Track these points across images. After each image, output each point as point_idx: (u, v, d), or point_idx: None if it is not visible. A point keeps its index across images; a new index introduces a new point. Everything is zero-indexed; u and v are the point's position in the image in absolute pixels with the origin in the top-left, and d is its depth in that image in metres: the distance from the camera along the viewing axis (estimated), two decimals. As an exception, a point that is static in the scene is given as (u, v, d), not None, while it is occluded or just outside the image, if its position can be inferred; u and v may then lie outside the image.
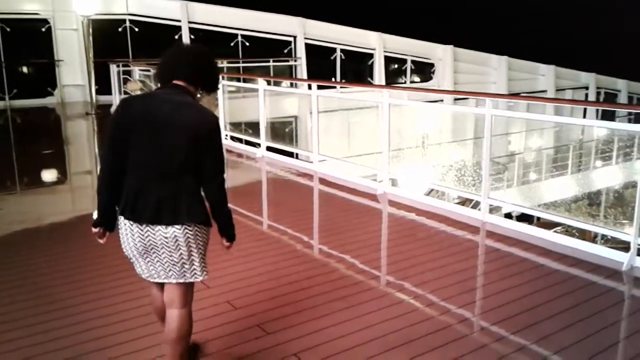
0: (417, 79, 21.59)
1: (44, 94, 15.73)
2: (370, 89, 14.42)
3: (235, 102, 11.10)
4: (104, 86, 14.29)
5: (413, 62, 20.84)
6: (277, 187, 7.36)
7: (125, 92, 13.81)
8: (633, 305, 3.91)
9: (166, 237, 2.50)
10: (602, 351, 3.17)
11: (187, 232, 2.51)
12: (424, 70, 21.44)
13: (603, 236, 11.57)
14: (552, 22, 33.57)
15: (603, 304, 3.76)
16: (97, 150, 10.29)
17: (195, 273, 2.60)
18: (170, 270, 2.57)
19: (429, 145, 16.57)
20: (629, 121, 16.86)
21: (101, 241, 2.67)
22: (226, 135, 9.29)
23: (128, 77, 13.82)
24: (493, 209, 5.51)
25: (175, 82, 2.60)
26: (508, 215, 9.27)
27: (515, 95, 19.84)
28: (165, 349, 2.68)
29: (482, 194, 5.17)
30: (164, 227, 2.49)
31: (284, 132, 16.98)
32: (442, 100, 16.19)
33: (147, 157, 2.49)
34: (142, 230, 2.51)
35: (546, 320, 3.47)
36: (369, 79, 19.60)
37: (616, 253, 4.35)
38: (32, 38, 15.59)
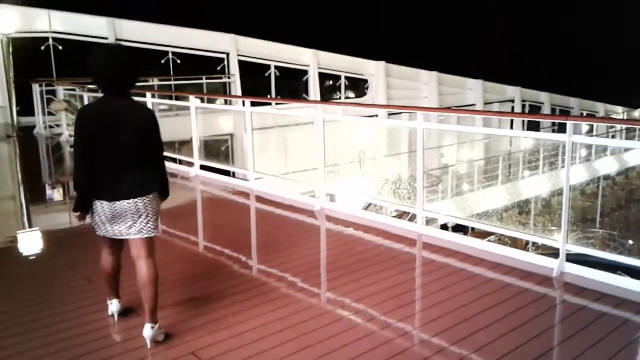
0: (351, 94, 21.92)
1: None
2: (305, 104, 14.47)
3: (167, 120, 10.81)
4: (27, 107, 13.63)
5: (347, 78, 21.15)
6: (212, 206, 7.17)
7: (50, 113, 13.21)
8: (564, 310, 4.01)
9: (130, 207, 3.30)
10: (538, 358, 3.21)
11: (145, 201, 3.34)
12: (358, 86, 21.80)
13: (534, 243, 12.03)
14: (480, 38, 35.02)
15: (536, 310, 3.83)
16: (19, 174, 9.74)
17: (150, 230, 3.37)
18: (131, 228, 3.33)
19: (365, 160, 16.79)
20: (553, 131, 17.79)
21: (82, 222, 3.44)
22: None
23: (52, 96, 13.22)
24: (429, 221, 5.57)
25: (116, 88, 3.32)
26: (444, 227, 9.47)
27: (446, 108, 20.50)
28: (141, 293, 3.33)
29: (417, 206, 5.21)
30: (127, 200, 3.29)
31: (219, 150, 16.74)
32: (376, 115, 16.48)
33: (110, 151, 3.25)
34: (110, 205, 3.29)
35: (483, 330, 3.50)
36: (304, 95, 19.70)
37: (546, 260, 4.47)
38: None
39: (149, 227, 3.36)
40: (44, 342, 3.40)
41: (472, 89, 23.88)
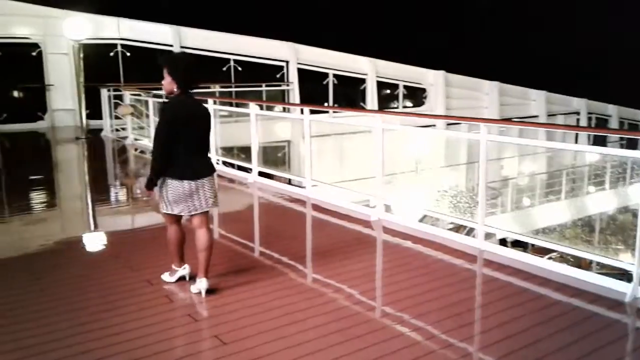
0: (409, 103, 21.70)
1: (34, 119, 15.59)
2: (363, 113, 14.39)
3: (227, 126, 11.02)
4: (94, 110, 14.20)
5: (405, 87, 20.95)
6: (269, 213, 7.21)
7: (117, 117, 13.71)
8: (638, 339, 3.76)
9: (207, 184, 4.09)
10: (611, 389, 3.02)
11: (213, 179, 4.17)
12: (416, 95, 21.56)
13: (598, 262, 11.46)
14: (544, 48, 33.99)
15: (607, 337, 3.62)
16: (87, 176, 10.12)
17: (214, 203, 4.17)
18: (202, 202, 4.07)
19: (422, 170, 16.53)
20: (621, 146, 16.98)
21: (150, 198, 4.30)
22: (217, 161, 9.15)
23: (119, 101, 13.72)
24: (487, 235, 5.38)
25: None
26: (503, 242, 9.16)
27: (508, 120, 19.94)
28: (199, 255, 4.08)
29: (479, 220, 5.04)
30: (206, 178, 4.09)
31: (276, 156, 16.90)
32: (434, 125, 16.22)
33: (194, 139, 4.04)
34: (193, 183, 4.01)
35: (550, 356, 3.32)
36: (362, 103, 19.65)
37: (618, 283, 4.21)
38: (23, 62, 15.53)
39: (213, 200, 4.13)
40: (110, 342, 3.47)
41: (536, 100, 23.16)
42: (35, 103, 15.67)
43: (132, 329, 3.65)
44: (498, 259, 4.86)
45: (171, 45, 16.66)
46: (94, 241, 5.91)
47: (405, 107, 21.38)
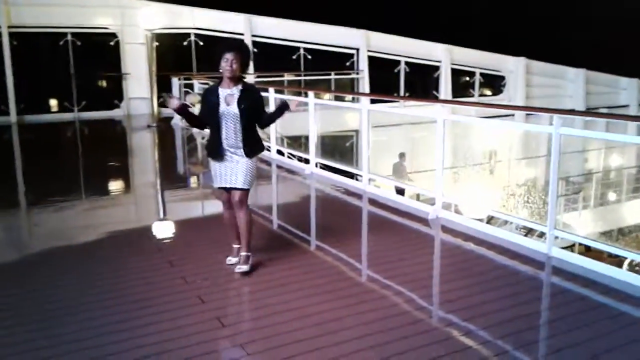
0: (487, 92, 20.68)
1: (112, 107, 16.14)
2: (423, 103, 13.76)
3: (294, 115, 10.80)
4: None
5: (482, 74, 19.97)
6: (324, 207, 6.92)
7: (185, 105, 13.87)
8: None
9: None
10: None
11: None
12: (494, 83, 20.51)
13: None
14: (634, 32, 31.41)
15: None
16: (157, 163, 10.30)
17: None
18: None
19: (493, 164, 15.69)
20: None
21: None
22: (273, 150, 8.98)
23: (189, 90, 13.89)
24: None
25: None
26: (587, 248, 8.40)
27: (592, 112, 18.56)
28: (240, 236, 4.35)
29: (548, 224, 4.51)
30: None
31: (344, 146, 16.60)
32: (512, 115, 15.30)
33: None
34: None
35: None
36: (435, 92, 18.92)
37: None
38: (101, 52, 16.07)
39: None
40: (148, 342, 3.33)
41: (626, 89, 21.42)
42: (113, 91, 16.21)
43: (155, 332, 3.49)
44: (569, 267, 4.33)
45: (242, 34, 16.68)
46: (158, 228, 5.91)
47: (482, 95, 20.40)
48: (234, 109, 4.11)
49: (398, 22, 18.72)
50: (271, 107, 7.82)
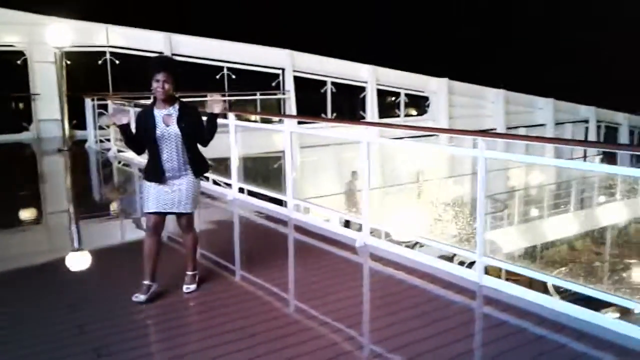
0: (412, 112, 20.96)
1: (19, 129, 14.95)
2: (348, 124, 13.57)
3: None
4: (82, 121, 13.58)
5: (407, 95, 20.21)
6: (248, 234, 6.45)
7: (100, 127, 13.04)
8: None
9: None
10: None
11: None
12: (419, 103, 20.82)
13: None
14: (550, 54, 33.21)
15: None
16: (70, 189, 9.45)
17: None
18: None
19: (421, 183, 15.77)
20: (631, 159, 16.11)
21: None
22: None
23: (103, 111, 13.05)
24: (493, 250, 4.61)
25: None
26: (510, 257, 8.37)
27: (515, 134, 19.15)
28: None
29: (477, 251, 4.28)
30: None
31: (272, 168, 16.16)
32: (436, 135, 15.45)
33: None
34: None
35: None
36: (362, 112, 18.92)
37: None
38: (8, 71, 14.92)
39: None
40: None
41: (543, 108, 22.35)
42: (21, 113, 15.05)
43: None
44: (501, 296, 4.10)
45: (162, 53, 16.01)
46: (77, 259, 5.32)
47: (408, 115, 20.62)
48: (174, 129, 3.97)
49: (324, 43, 18.66)
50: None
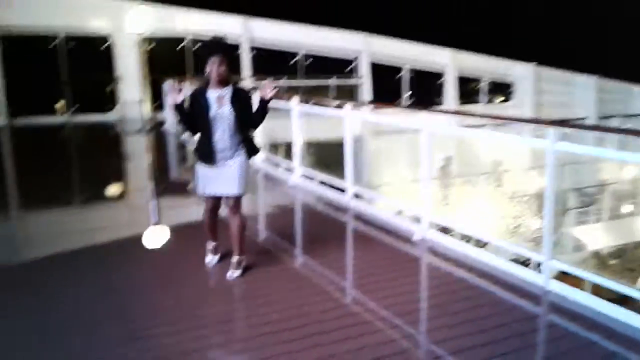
0: (496, 99, 19.99)
1: (104, 110, 15.66)
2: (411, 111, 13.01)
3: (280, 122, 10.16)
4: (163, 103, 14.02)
5: (491, 81, 19.27)
6: (308, 221, 6.31)
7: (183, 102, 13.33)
8: None
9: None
10: None
11: None
12: (503, 90, 19.81)
13: None
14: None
15: None
16: (151, 167, 9.75)
17: None
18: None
19: (498, 174, 14.99)
20: None
21: None
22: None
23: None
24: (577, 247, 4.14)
25: None
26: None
27: (593, 125, 17.73)
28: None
29: (544, 253, 3.85)
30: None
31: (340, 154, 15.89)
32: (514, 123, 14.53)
33: None
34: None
35: None
36: (439, 99, 18.25)
37: None
38: (94, 55, 15.62)
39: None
40: None
41: (641, 97, 20.64)
42: (106, 95, 15.75)
43: None
44: (570, 304, 3.67)
45: (239, 38, 16.18)
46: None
47: (492, 102, 19.68)
48: (227, 110, 4.02)
49: (401, 27, 18.07)
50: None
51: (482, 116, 7.69)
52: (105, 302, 3.89)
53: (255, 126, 4.30)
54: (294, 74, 16.62)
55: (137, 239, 5.20)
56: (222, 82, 4.04)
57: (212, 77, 4.03)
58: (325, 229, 5.80)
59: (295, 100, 7.16)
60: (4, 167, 9.72)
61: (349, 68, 17.30)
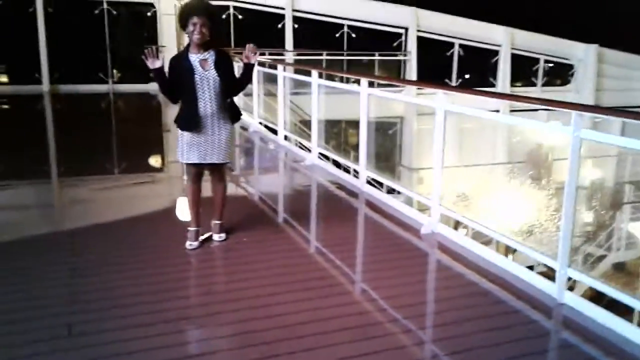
0: (553, 81, 18.76)
1: (147, 80, 15.57)
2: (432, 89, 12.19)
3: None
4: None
5: (547, 62, 18.06)
6: (320, 202, 5.95)
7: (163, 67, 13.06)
8: None
9: None
10: None
11: None
12: (561, 72, 18.55)
13: None
14: None
15: None
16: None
17: None
18: None
19: (547, 164, 14.04)
20: None
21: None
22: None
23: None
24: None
25: None
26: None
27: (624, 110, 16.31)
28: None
29: (559, 260, 3.29)
30: None
31: (384, 135, 15.28)
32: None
33: None
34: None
35: None
36: (491, 79, 17.25)
37: None
38: (138, 22, 15.53)
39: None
40: None
41: None
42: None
43: None
44: (585, 321, 3.12)
45: (283, 9, 15.71)
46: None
47: (548, 85, 18.46)
48: (212, 73, 3.86)
49: (453, 1, 17.04)
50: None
51: (494, 96, 6.96)
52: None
53: (239, 91, 4.19)
54: (336, 49, 16.03)
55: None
56: (204, 45, 3.86)
57: (193, 39, 3.84)
58: (336, 212, 5.41)
59: (315, 74, 6.69)
60: (46, 135, 9.70)
61: (395, 43, 16.52)
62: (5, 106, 13.57)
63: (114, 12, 15.01)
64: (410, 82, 14.02)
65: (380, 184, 5.84)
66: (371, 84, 6.06)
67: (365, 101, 5.47)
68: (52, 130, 10.36)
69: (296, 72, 8.40)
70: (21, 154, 7.51)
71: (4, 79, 14.81)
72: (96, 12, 14.87)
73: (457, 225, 4.99)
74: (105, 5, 14.86)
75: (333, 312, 3.25)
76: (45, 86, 14.29)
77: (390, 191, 5.77)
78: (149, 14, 15.32)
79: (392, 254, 4.29)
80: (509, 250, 5.82)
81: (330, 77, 9.22)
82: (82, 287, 3.54)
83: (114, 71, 15.26)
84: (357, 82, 5.76)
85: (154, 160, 8.02)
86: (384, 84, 9.40)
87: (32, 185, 6.27)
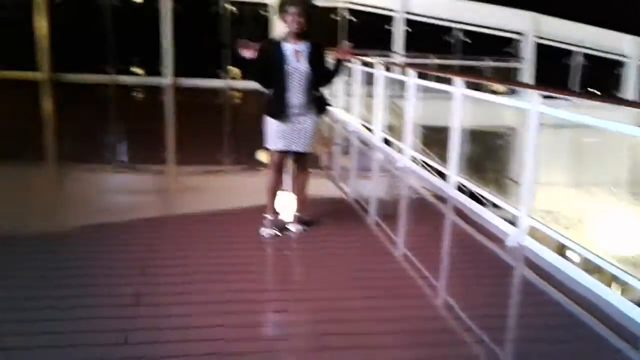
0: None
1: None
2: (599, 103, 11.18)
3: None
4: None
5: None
6: (406, 206, 5.81)
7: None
8: None
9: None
10: None
11: None
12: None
13: None
14: None
15: None
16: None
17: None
18: None
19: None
20: None
21: None
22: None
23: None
24: None
25: None
26: None
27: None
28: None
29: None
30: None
31: (488, 147, 14.53)
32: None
33: None
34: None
35: None
36: (615, 91, 15.89)
37: None
38: (255, 21, 16.04)
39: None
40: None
41: None
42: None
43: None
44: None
45: (395, 11, 15.53)
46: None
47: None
48: (303, 65, 3.91)
49: (575, 6, 15.83)
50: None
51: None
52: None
53: (325, 85, 4.17)
54: (446, 53, 15.57)
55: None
56: (300, 36, 3.91)
57: (292, 29, 3.89)
58: (419, 215, 5.31)
59: (411, 72, 6.49)
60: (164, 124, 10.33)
61: (506, 48, 15.73)
62: (140, 95, 14.48)
63: (234, 11, 15.63)
64: (525, 86, 13.26)
65: (472, 193, 5.55)
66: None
67: (459, 102, 5.21)
68: (171, 119, 11.09)
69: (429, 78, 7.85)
70: (150, 139, 8.22)
71: (140, 70, 15.93)
72: (217, 11, 15.60)
73: (562, 249, 4.53)
74: (223, 4, 15.54)
75: (404, 313, 3.18)
76: (168, 79, 15.17)
77: (482, 202, 5.47)
78: (264, 12, 15.79)
79: (474, 263, 4.07)
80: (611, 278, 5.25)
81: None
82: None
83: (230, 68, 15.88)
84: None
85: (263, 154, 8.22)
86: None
87: (149, 172, 6.75)
